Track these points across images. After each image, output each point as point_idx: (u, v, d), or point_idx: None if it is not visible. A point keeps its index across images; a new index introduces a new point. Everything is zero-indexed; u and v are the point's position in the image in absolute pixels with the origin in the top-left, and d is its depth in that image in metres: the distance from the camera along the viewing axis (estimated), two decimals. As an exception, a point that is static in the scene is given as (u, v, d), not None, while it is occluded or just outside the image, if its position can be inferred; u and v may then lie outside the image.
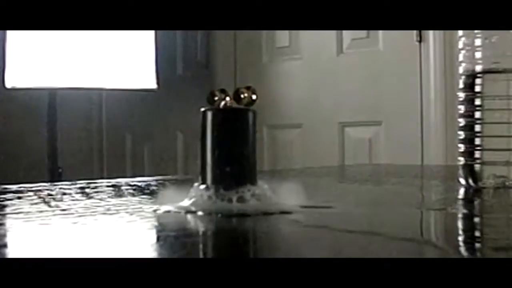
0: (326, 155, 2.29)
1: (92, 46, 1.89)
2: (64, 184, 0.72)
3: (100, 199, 0.56)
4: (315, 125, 2.34)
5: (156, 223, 0.44)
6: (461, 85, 0.65)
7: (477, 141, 0.63)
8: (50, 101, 1.97)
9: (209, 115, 0.45)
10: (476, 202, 0.57)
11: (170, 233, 0.39)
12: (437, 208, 0.53)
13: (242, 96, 0.45)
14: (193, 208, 0.44)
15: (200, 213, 0.43)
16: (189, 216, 0.44)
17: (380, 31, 2.19)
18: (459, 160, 0.65)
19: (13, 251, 0.35)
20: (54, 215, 0.47)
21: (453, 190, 0.67)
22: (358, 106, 2.25)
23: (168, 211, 0.44)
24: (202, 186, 0.45)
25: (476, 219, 0.47)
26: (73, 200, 0.57)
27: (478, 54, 0.63)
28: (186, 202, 0.44)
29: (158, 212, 0.44)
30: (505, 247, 0.34)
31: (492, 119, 0.63)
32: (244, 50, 2.46)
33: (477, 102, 0.63)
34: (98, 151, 2.81)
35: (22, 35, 1.84)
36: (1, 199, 0.57)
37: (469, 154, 0.63)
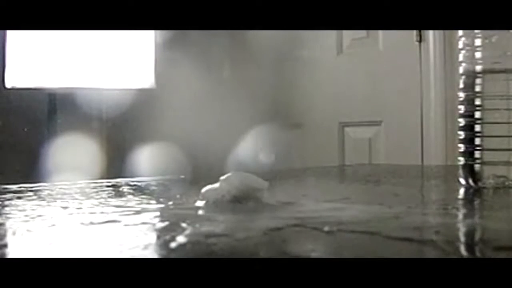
0: (326, 155, 2.29)
1: (92, 46, 1.89)
2: (64, 184, 0.72)
3: (101, 199, 0.56)
4: (315, 125, 2.34)
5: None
6: (461, 85, 0.65)
7: (477, 141, 0.63)
8: (50, 101, 1.97)
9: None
10: (476, 202, 0.57)
11: (171, 234, 0.39)
12: (437, 208, 0.53)
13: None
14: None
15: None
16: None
17: (380, 31, 2.20)
18: (459, 160, 0.65)
19: (13, 251, 0.35)
20: (56, 215, 0.47)
21: (453, 190, 0.67)
22: (358, 106, 2.25)
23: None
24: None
25: (476, 219, 0.47)
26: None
27: (478, 54, 0.63)
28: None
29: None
30: (505, 247, 0.34)
31: (492, 119, 0.63)
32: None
33: (477, 102, 0.63)
34: (98, 150, 2.81)
35: (22, 35, 1.84)
36: (1, 199, 0.57)
37: (469, 154, 0.63)
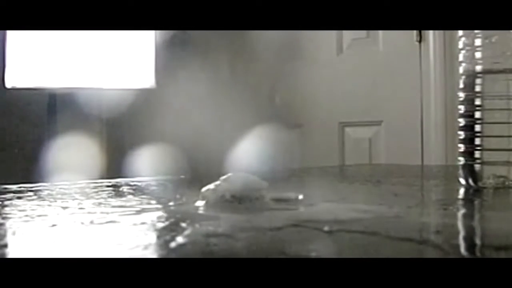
0: (326, 155, 2.29)
1: (91, 46, 1.89)
2: (64, 184, 0.72)
3: (101, 199, 0.56)
4: (315, 125, 2.34)
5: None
6: (461, 85, 0.65)
7: (477, 141, 0.63)
8: (50, 101, 1.97)
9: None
10: (476, 202, 0.57)
11: (172, 233, 0.39)
12: (437, 208, 0.53)
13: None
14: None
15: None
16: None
17: (380, 31, 2.20)
18: (459, 160, 0.65)
19: (13, 251, 0.35)
20: (57, 214, 0.47)
21: (453, 190, 0.67)
22: (358, 106, 2.25)
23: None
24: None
25: (476, 219, 0.47)
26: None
27: (478, 54, 0.63)
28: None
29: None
30: (505, 247, 0.34)
31: (492, 119, 0.63)
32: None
33: (477, 102, 0.63)
34: (98, 150, 2.81)
35: (22, 35, 1.84)
36: (1, 199, 0.57)
37: (469, 154, 0.63)
